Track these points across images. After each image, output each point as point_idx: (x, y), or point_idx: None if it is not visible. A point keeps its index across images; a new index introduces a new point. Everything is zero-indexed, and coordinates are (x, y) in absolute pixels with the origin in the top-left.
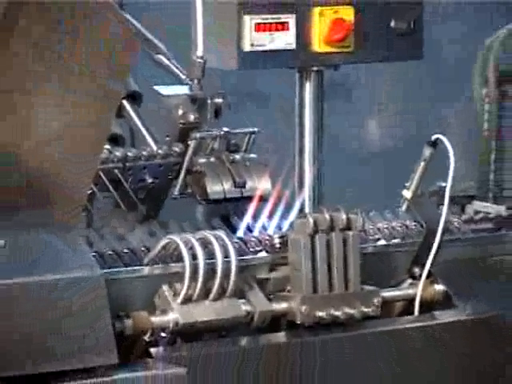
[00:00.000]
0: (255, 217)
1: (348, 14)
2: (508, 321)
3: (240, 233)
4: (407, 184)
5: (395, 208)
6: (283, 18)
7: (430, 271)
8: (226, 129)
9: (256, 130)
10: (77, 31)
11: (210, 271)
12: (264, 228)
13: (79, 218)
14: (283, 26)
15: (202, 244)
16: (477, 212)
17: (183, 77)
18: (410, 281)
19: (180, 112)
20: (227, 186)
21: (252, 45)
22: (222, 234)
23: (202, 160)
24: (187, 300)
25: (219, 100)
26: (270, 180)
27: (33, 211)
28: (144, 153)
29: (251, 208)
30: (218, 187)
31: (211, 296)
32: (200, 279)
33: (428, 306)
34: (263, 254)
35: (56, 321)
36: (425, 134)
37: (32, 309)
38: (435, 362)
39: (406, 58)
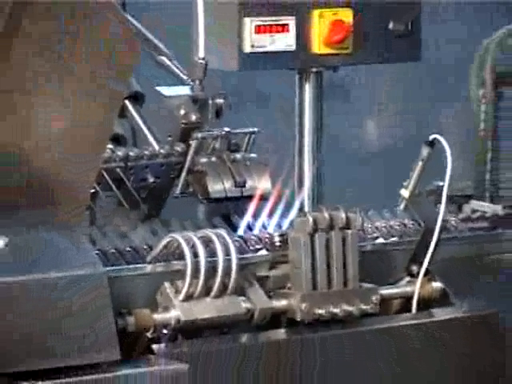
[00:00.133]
0: (255, 215)
1: (347, 15)
2: (505, 318)
3: (241, 231)
4: (405, 183)
5: (393, 207)
6: (283, 19)
7: (427, 269)
8: (226, 129)
9: (256, 130)
10: (79, 32)
11: (211, 269)
12: (264, 226)
13: (82, 217)
14: (283, 28)
15: (204, 242)
16: (474, 211)
17: (185, 78)
18: (407, 279)
19: (182, 112)
20: (228, 185)
21: (252, 46)
22: (222, 232)
23: (204, 159)
24: (189, 297)
25: (220, 100)
26: (270, 179)
27: (36, 210)
28: (146, 152)
29: (251, 207)
30: (219, 186)
31: (212, 293)
32: (201, 277)
33: (426, 304)
34: (263, 252)
35: (59, 318)
36: (422, 134)
37: (36, 306)
38: (433, 359)
39: (403, 60)
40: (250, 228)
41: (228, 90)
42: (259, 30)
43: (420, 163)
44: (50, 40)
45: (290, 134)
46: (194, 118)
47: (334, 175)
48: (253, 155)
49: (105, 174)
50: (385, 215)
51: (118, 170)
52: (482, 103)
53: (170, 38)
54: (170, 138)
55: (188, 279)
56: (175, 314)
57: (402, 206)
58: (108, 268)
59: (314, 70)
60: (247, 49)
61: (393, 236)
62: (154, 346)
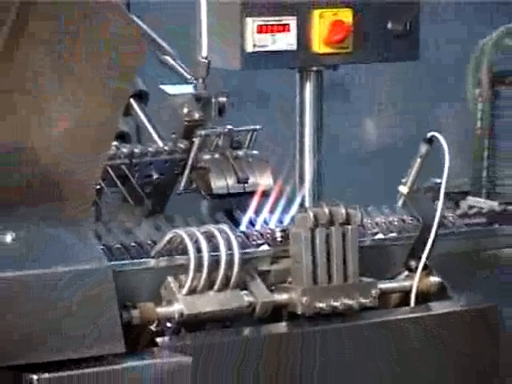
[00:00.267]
0: (257, 211)
1: (347, 16)
2: (501, 311)
3: (243, 227)
4: (404, 180)
5: (392, 203)
6: (284, 19)
7: (425, 264)
8: (229, 126)
9: (258, 127)
10: (86, 32)
11: (214, 263)
12: (266, 222)
13: (88, 213)
14: (284, 28)
15: (207, 237)
16: (470, 207)
17: (188, 76)
18: (406, 273)
19: (185, 110)
20: (230, 181)
21: (254, 46)
22: (225, 227)
23: (207, 156)
24: (192, 291)
25: (223, 99)
26: (271, 176)
27: (43, 206)
28: (150, 149)
29: (253, 203)
30: (221, 183)
31: (215, 287)
32: (204, 271)
33: (424, 298)
34: (265, 247)
35: (66, 311)
36: (422, 133)
37: (43, 299)
38: (431, 352)
39: (402, 59)
40: (252, 223)
41: (229, 90)
42: (261, 29)
43: (418, 160)
44: (56, 40)
45: (290, 132)
46: (197, 115)
47: (333, 175)
48: (255, 152)
49: (110, 170)
50: (384, 211)
51: (122, 166)
52: (479, 102)
53: (170, 38)
54: (173, 136)
55: (191, 273)
56: (179, 307)
57: (400, 203)
58: (113, 262)
59: (315, 68)
60: (249, 48)
61: (392, 231)
62: (158, 339)
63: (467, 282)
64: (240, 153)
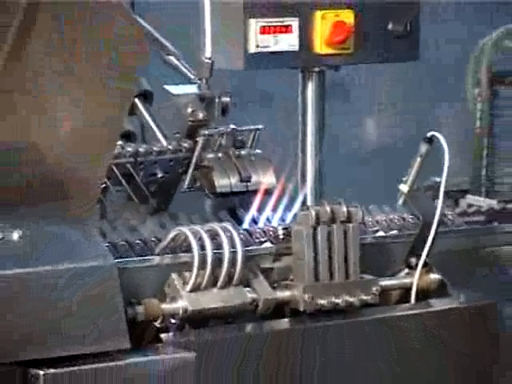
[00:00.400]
0: (260, 209)
1: (348, 17)
2: (499, 308)
3: (246, 224)
4: (404, 179)
5: (392, 203)
6: (287, 21)
7: (425, 261)
8: (232, 126)
9: (260, 127)
10: (91, 32)
11: (218, 261)
12: (268, 220)
13: (93, 211)
14: (287, 29)
15: (210, 235)
16: (470, 205)
17: (192, 77)
18: (406, 270)
19: (189, 110)
20: (234, 180)
21: (257, 46)
22: (228, 225)
23: (210, 155)
24: (196, 288)
25: (226, 99)
26: (274, 174)
27: (49, 205)
28: (155, 148)
29: (256, 201)
30: (225, 181)
31: (218, 284)
32: (208, 268)
33: (424, 295)
34: (268, 244)
35: (71, 307)
36: (422, 133)
37: (49, 296)
38: (430, 348)
39: (402, 59)
40: (254, 221)
41: (232, 90)
42: (264, 30)
43: (418, 159)
44: (61, 40)
45: (291, 132)
46: (200, 115)
47: (334, 175)
48: (257, 151)
49: (115, 169)
50: (385, 209)
51: (127, 165)
52: (478, 102)
53: (170, 38)
54: (177, 135)
55: (195, 271)
56: (183, 304)
57: (401, 201)
58: (118, 260)
59: (317, 69)
60: (252, 49)
61: (392, 229)
62: (163, 335)
63: (467, 280)
64: (243, 152)
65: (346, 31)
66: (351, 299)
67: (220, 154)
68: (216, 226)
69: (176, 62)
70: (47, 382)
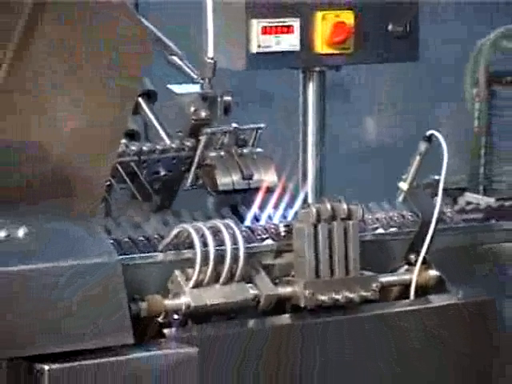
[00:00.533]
0: (262, 207)
1: (348, 17)
2: (497, 304)
3: (248, 222)
4: (404, 177)
5: (392, 199)
6: (288, 21)
7: (424, 258)
8: (234, 125)
9: (262, 125)
10: (95, 32)
11: (220, 257)
12: (270, 217)
13: (98, 209)
14: (288, 29)
15: (213, 232)
16: (468, 203)
17: (195, 76)
18: (406, 267)
19: (192, 109)
20: (236, 178)
21: (259, 46)
22: (230, 222)
23: (213, 154)
24: (198, 284)
25: (228, 98)
26: (275, 172)
27: (55, 202)
28: (158, 147)
29: (258, 199)
30: (227, 179)
31: (221, 280)
32: (210, 265)
33: (423, 291)
34: (269, 241)
35: (76, 303)
36: (420, 132)
37: (54, 292)
38: (429, 343)
39: (402, 60)
40: (256, 219)
41: (233, 89)
42: (265, 31)
43: (418, 157)
44: (65, 40)
45: (291, 131)
46: (203, 114)
47: (334, 174)
48: (259, 150)
49: (119, 167)
50: (384, 207)
51: (131, 163)
52: (476, 101)
53: (171, 38)
54: (180, 134)
55: (198, 267)
56: (185, 300)
57: (400, 199)
58: (122, 256)
59: (317, 69)
60: (254, 49)
61: (392, 227)
62: (166, 331)
63: (465, 276)
64: (245, 150)
65: (347, 32)
66: (351, 295)
67: (222, 153)
68: (218, 223)
69: (179, 61)
70: (52, 377)
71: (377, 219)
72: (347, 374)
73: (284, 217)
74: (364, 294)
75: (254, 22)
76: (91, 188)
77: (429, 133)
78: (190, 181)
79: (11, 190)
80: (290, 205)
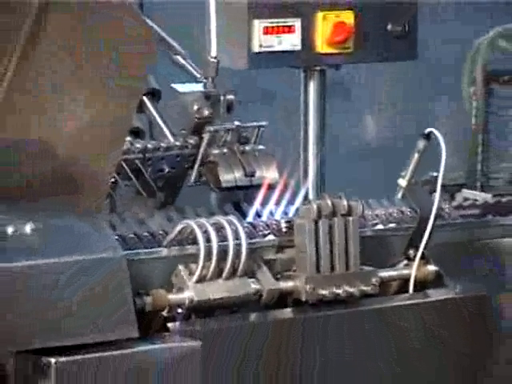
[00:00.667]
0: (264, 203)
1: (349, 17)
2: (493, 299)
3: (250, 218)
4: (403, 173)
5: (392, 196)
6: (289, 21)
7: (423, 253)
8: (237, 123)
9: (264, 123)
10: (100, 32)
11: (223, 253)
12: (272, 213)
13: (103, 205)
14: (289, 29)
15: (216, 228)
16: (466, 199)
17: (198, 75)
18: (405, 262)
19: (195, 107)
20: (238, 174)
21: (261, 46)
22: (233, 218)
23: (215, 151)
24: (201, 279)
25: (231, 97)
26: (277, 169)
27: (61, 199)
28: (162, 145)
29: (260, 195)
30: (229, 176)
31: (223, 275)
32: (213, 260)
33: (421, 285)
34: (271, 237)
35: (82, 298)
36: (420, 130)
37: (60, 286)
38: (427, 337)
39: (401, 59)
40: (258, 215)
41: (236, 88)
42: (267, 30)
43: (416, 155)
44: (71, 40)
45: (291, 130)
46: (206, 112)
47: (334, 172)
48: (261, 147)
49: (124, 164)
50: (384, 203)
51: (136, 161)
52: (473, 100)
53: (175, 37)
54: (184, 132)
55: (201, 262)
56: (189, 294)
57: (399, 195)
58: (127, 252)
59: (318, 68)
60: (256, 48)
61: (391, 222)
62: (170, 324)
63: (462, 271)
64: (247, 148)
65: (347, 31)
66: (351, 290)
67: (225, 150)
68: (221, 219)
69: (183, 61)
70: (58, 370)
71: (376, 215)
72: (347, 367)
73: (285, 213)
74: (364, 288)
75: (256, 22)
76: (97, 185)
77: (427, 130)
78: (193, 178)
79: (19, 187)
80: (291, 201)
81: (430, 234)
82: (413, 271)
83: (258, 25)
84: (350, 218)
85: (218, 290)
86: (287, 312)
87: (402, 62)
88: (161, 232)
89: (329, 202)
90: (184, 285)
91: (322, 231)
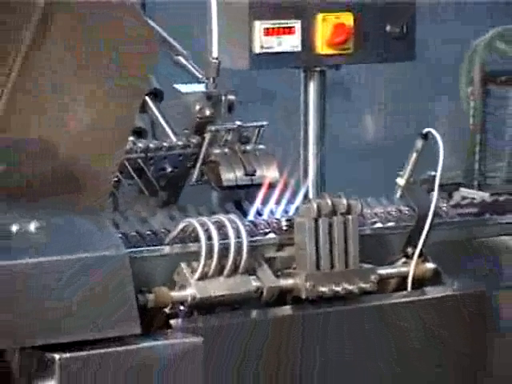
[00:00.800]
0: (264, 202)
1: (348, 19)
2: (490, 296)
3: (251, 216)
4: (401, 173)
5: (390, 195)
6: (290, 23)
7: (421, 251)
8: (238, 122)
9: (265, 123)
10: (104, 32)
11: (224, 250)
12: (272, 212)
13: (106, 203)
14: (290, 31)
15: (217, 226)
16: (463, 198)
17: (200, 76)
18: (403, 260)
19: (197, 108)
20: (239, 174)
21: (262, 47)
22: (234, 217)
23: (217, 151)
24: (203, 276)
25: (232, 97)
26: (277, 169)
27: (65, 197)
28: (165, 144)
29: (260, 194)
30: (230, 175)
31: (225, 273)
32: (215, 258)
33: (419, 283)
34: (271, 235)
35: (85, 295)
36: (419, 130)
37: (64, 284)
38: (425, 333)
39: (400, 59)
40: (259, 213)
41: (237, 88)
42: (268, 32)
43: (414, 154)
44: (75, 40)
45: (291, 130)
46: (208, 112)
47: (334, 172)
48: (262, 147)
49: (127, 163)
50: (382, 202)
51: (139, 160)
52: (471, 100)
53: (176, 38)
54: (186, 131)
55: (203, 260)
56: (191, 291)
57: (398, 194)
58: (130, 249)
59: (318, 68)
60: (257, 49)
61: (390, 221)
62: (172, 321)
63: (460, 268)
64: (248, 147)
65: (346, 33)
66: (351, 287)
67: (226, 150)
68: (222, 217)
69: (184, 62)
70: (62, 366)
71: (375, 214)
72: (347, 363)
73: (286, 211)
74: (363, 285)
75: (257, 23)
76: (100, 184)
77: (425, 130)
78: (195, 177)
79: (23, 185)
80: (291, 200)
81: (428, 232)
82: (411, 269)
83: (259, 26)
84: (350, 217)
85: (219, 288)
86: (287, 309)
87: (401, 62)
88: (163, 230)
89: (328, 201)
90: (186, 282)
91: (321, 229)
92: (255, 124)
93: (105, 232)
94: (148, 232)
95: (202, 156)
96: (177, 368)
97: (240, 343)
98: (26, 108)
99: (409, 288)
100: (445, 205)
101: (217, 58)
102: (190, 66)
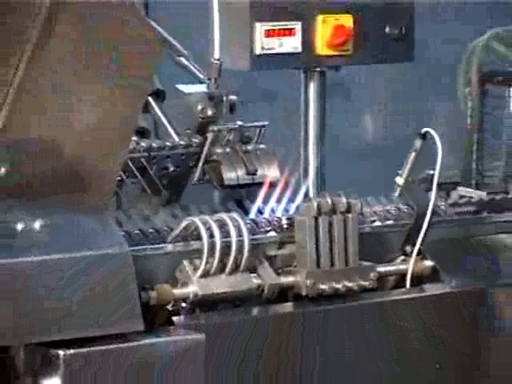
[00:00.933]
0: (265, 201)
1: (348, 21)
2: (488, 293)
3: (252, 215)
4: (400, 172)
5: (389, 194)
6: (290, 24)
7: (420, 249)
8: (239, 122)
9: (266, 123)
10: (107, 33)
11: (226, 248)
12: (273, 211)
13: (109, 202)
14: (290, 32)
15: (219, 225)
16: (461, 197)
17: (202, 76)
18: (402, 257)
19: (199, 108)
20: (240, 173)
21: (262, 48)
22: (236, 215)
23: (219, 150)
24: (205, 274)
25: (234, 97)
26: (278, 168)
27: (69, 196)
28: (167, 144)
29: (262, 193)
30: (232, 174)
31: (226, 270)
32: (216, 255)
33: (418, 280)
34: (272, 233)
35: (89, 292)
36: (418, 130)
37: (68, 281)
38: (424, 329)
39: (399, 60)
40: (260, 212)
41: (238, 89)
42: (268, 33)
43: (413, 154)
44: (79, 40)
45: (292, 130)
46: (210, 112)
47: (334, 171)
48: (263, 146)
49: (130, 163)
50: (382, 201)
51: (142, 159)
52: (469, 100)
53: (177, 39)
54: (188, 131)
55: (205, 258)
56: (193, 289)
57: (397, 193)
58: (133, 247)
59: (318, 69)
60: (258, 51)
61: (389, 219)
62: (174, 318)
63: (458, 266)
64: (249, 147)
65: (346, 34)
66: (350, 284)
67: (228, 149)
68: (224, 216)
69: (186, 62)
70: (66, 362)
71: (374, 212)
72: (347, 359)
73: (286, 210)
74: (362, 283)
75: (258, 25)
76: (104, 183)
77: (424, 130)
78: (197, 176)
79: (28, 183)
80: (292, 199)
81: (427, 230)
82: (410, 266)
83: (260, 28)
84: (349, 215)
85: (221, 285)
86: (288, 306)
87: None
88: (165, 228)
89: (328, 200)
90: (188, 279)
91: (321, 228)
92: (256, 124)
93: (108, 230)
94: (151, 230)
95: (203, 155)
96: (179, 364)
97: (242, 340)
98: (31, 108)
99: (407, 285)
100: (443, 203)
101: (219, 59)
102: (191, 67)
